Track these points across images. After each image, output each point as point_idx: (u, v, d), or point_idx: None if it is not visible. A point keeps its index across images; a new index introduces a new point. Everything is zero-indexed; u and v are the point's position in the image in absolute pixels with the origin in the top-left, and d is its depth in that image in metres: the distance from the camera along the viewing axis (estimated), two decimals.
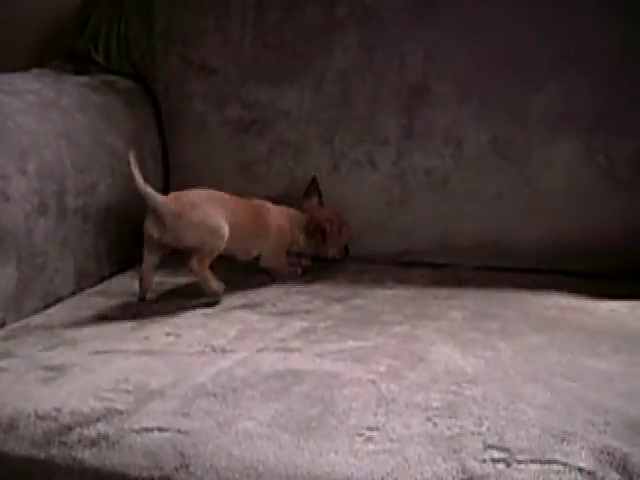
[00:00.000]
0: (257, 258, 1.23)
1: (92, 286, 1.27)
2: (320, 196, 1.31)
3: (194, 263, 1.11)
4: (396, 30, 1.33)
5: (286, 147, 1.37)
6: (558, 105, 1.26)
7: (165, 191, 1.44)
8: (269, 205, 1.24)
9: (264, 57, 1.39)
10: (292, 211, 1.27)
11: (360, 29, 1.35)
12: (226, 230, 1.12)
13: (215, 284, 1.14)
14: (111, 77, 1.46)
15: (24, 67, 1.44)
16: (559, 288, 1.18)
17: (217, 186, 1.35)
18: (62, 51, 1.58)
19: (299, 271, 1.27)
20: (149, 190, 1.10)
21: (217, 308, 1.13)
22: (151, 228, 1.12)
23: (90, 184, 1.28)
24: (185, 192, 1.15)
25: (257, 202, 1.23)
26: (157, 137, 1.45)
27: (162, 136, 1.46)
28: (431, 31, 1.32)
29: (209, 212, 1.11)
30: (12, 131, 1.16)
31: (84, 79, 1.42)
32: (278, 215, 1.24)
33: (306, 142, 1.36)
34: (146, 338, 1.02)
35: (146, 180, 1.22)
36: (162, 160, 1.45)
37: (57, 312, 1.15)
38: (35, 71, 1.41)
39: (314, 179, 1.31)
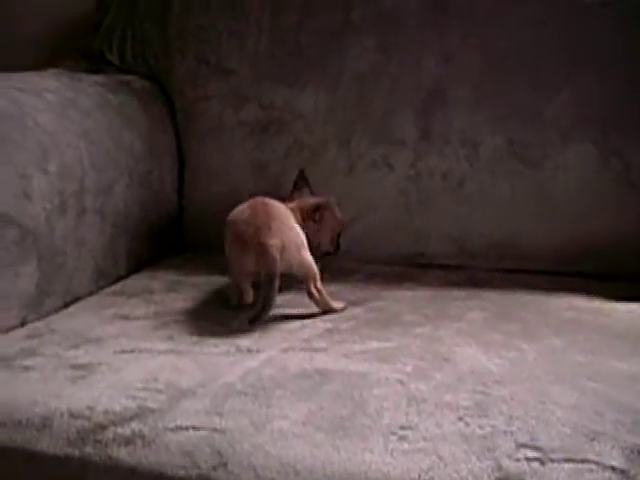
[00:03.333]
0: None
1: (109, 285, 1.28)
2: (310, 186, 1.26)
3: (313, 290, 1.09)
4: (412, 34, 1.34)
5: (302, 148, 1.38)
6: (572, 110, 1.28)
7: (180, 191, 1.47)
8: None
9: (280, 59, 1.40)
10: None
11: (376, 32, 1.36)
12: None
13: (337, 304, 1.12)
14: (126, 77, 1.47)
15: (34, 66, 1.44)
16: (575, 290, 1.19)
17: (233, 186, 1.38)
18: (73, 51, 1.59)
19: None
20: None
21: (234, 309, 1.13)
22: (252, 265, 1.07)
23: (108, 184, 1.29)
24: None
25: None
26: (172, 137, 1.46)
27: (177, 136, 1.46)
28: (447, 35, 1.33)
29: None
30: (32, 130, 1.17)
31: (100, 79, 1.42)
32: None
33: (322, 143, 1.37)
34: (170, 337, 1.03)
35: (162, 178, 1.22)
36: (177, 160, 1.46)
37: (78, 311, 1.16)
38: (51, 70, 1.41)
39: (301, 171, 1.26)
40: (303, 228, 1.14)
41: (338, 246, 1.25)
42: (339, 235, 1.24)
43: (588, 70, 1.28)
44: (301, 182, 1.26)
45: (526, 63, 1.30)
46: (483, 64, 1.31)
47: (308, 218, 1.18)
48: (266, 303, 1.03)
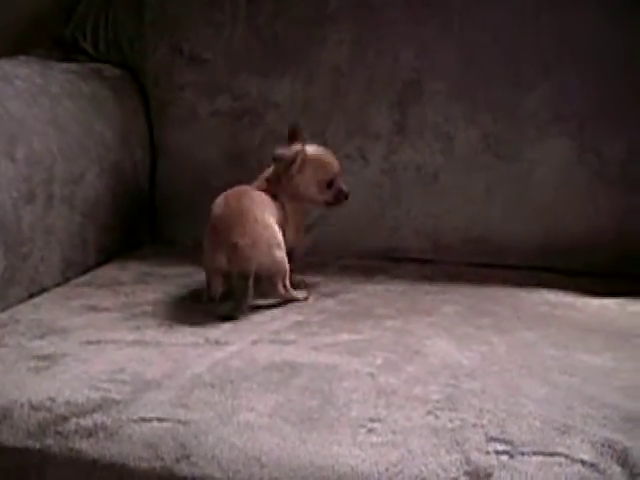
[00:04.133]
0: None
1: (77, 276, 1.25)
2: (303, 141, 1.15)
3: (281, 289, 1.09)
4: (389, 26, 1.33)
5: (277, 139, 1.35)
6: (549, 104, 1.27)
7: (152, 182, 1.44)
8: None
9: (255, 49, 1.38)
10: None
11: (353, 24, 1.34)
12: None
13: (300, 294, 1.12)
14: (99, 65, 1.44)
15: (6, 54, 1.41)
16: (549, 285, 1.19)
17: (207, 177, 1.36)
18: (46, 39, 1.55)
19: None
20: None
21: (203, 301, 1.11)
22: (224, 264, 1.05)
23: (78, 173, 1.26)
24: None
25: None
26: (145, 126, 1.43)
27: (150, 125, 1.44)
28: (424, 28, 1.32)
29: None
30: (0, 116, 1.14)
31: (72, 66, 1.39)
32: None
33: None
34: (138, 328, 1.01)
35: (134, 168, 1.19)
36: (150, 150, 1.44)
37: (44, 302, 1.13)
38: (22, 58, 1.38)
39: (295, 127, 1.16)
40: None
41: (341, 194, 1.14)
42: (332, 182, 1.14)
43: (566, 65, 1.27)
44: (296, 138, 1.15)
45: (504, 57, 1.29)
46: (460, 57, 1.30)
47: (283, 173, 1.13)
48: (241, 303, 1.04)
